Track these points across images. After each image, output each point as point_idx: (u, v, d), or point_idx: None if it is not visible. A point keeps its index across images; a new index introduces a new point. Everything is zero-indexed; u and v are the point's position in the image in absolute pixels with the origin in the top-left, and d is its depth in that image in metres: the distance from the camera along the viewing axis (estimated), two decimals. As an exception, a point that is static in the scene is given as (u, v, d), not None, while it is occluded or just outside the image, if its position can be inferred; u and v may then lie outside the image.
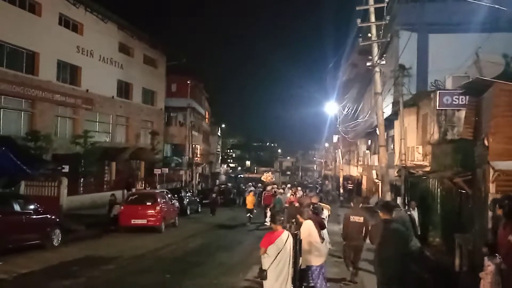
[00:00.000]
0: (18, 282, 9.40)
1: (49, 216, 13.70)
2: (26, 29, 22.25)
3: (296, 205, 18.18)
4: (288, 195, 21.73)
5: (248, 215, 21.56)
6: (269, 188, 27.24)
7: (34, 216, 13.03)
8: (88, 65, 27.21)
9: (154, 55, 36.35)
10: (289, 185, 35.67)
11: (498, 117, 7.87)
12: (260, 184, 38.15)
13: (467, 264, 9.95)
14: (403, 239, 6.80)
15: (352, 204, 10.84)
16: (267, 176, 57.88)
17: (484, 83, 8.57)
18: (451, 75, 15.83)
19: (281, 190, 24.32)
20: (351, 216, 9.91)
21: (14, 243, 12.03)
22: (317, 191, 30.98)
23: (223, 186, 41.67)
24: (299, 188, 27.61)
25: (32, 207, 13.30)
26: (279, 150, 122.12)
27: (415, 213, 12.86)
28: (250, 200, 22.13)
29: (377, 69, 12.15)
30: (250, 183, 38.86)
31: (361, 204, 10.71)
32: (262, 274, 6.74)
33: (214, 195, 27.91)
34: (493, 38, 14.17)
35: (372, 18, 11.96)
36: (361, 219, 9.70)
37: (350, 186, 39.22)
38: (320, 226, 9.02)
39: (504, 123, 7.85)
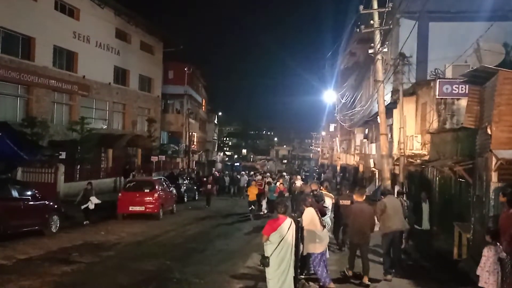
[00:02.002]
0: (18, 268, 9.36)
1: (47, 202, 13.65)
2: (22, 14, 21.92)
3: (286, 195, 18.01)
4: (278, 184, 20.55)
5: (250, 207, 19.62)
6: (259, 177, 25.91)
7: (32, 202, 12.97)
8: (85, 51, 26.91)
9: (151, 41, 36.01)
10: (284, 173, 35.22)
11: (502, 105, 7.84)
12: (252, 173, 37.03)
13: (466, 252, 10.03)
14: (369, 215, 8.85)
15: (341, 191, 13.06)
16: (258, 163, 56.69)
17: (488, 72, 8.53)
18: (451, 64, 15.76)
19: (270, 180, 23.22)
20: (340, 201, 11.86)
21: (13, 229, 11.99)
22: (314, 179, 30.77)
23: (220, 173, 41.13)
24: (298, 177, 27.16)
25: (30, 193, 13.24)
26: (276, 139, 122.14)
27: (426, 206, 11.74)
28: (252, 191, 20.02)
29: (379, 56, 12.06)
30: (243, 172, 37.18)
31: (347, 191, 12.44)
32: (265, 261, 6.75)
33: (209, 186, 25.30)
34: (494, 27, 14.07)
35: (375, 5, 11.85)
36: (348, 202, 11.13)
37: (339, 176, 39.32)
38: (321, 213, 9.04)
39: (507, 111, 7.83)
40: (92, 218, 15.99)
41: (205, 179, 28.76)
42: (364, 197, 9.59)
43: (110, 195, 22.86)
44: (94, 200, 16.05)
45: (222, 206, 24.41)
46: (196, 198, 27.16)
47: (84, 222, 15.53)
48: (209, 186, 25.12)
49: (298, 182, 24.25)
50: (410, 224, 11.07)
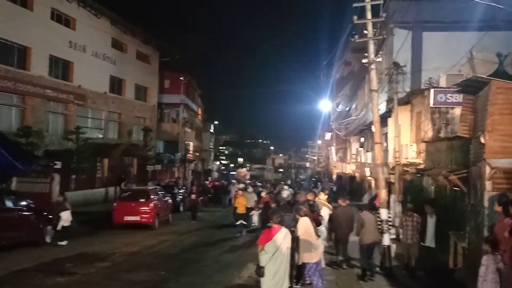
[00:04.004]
0: (12, 279, 9.28)
1: (41, 213, 13.57)
2: (18, 24, 21.95)
3: (272, 206, 16.27)
4: (263, 194, 18.64)
5: (238, 222, 17.07)
6: (241, 185, 23.20)
7: (27, 213, 12.92)
8: (81, 60, 26.94)
9: (147, 51, 36.12)
10: (282, 183, 34.38)
11: (495, 115, 7.89)
12: (235, 181, 34.15)
13: (462, 261, 10.02)
14: (350, 217, 11.31)
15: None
16: (240, 172, 54.24)
17: (481, 81, 8.60)
18: (445, 73, 15.89)
19: (251, 189, 20.47)
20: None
21: (6, 240, 11.90)
22: (311, 188, 30.46)
23: (218, 183, 40.46)
24: (285, 186, 25.83)
25: (24, 203, 13.20)
26: (272, 147, 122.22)
27: (432, 221, 10.85)
28: (241, 202, 17.35)
29: (373, 66, 12.13)
30: (234, 180, 35.11)
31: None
32: (260, 271, 6.74)
33: (193, 196, 21.73)
34: (487, 36, 14.22)
35: (369, 15, 11.94)
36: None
37: (331, 185, 39.25)
38: (316, 223, 9.03)
39: (500, 121, 7.87)
40: (69, 235, 13.82)
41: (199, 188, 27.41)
42: (348, 202, 11.98)
43: (101, 205, 22.88)
44: (64, 216, 13.69)
45: (216, 216, 24.06)
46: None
47: (59, 243, 13.40)
48: (193, 197, 21.68)
49: (285, 192, 23.36)
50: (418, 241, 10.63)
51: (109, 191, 26.37)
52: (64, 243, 13.44)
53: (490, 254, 6.51)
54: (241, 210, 17.25)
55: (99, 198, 25.59)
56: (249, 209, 17.79)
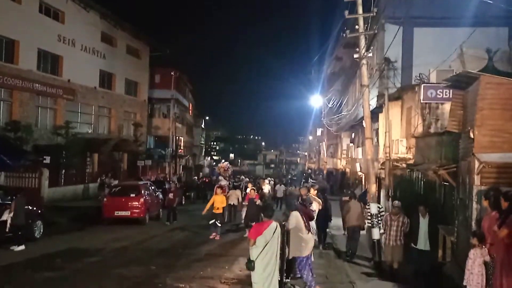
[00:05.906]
0: (-1, 275, 9.20)
1: (30, 208, 13.42)
2: (5, 17, 21.65)
3: (257, 203, 15.21)
4: (248, 190, 17.41)
5: (212, 221, 14.95)
6: (223, 183, 21.92)
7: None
8: (70, 54, 26.67)
9: (137, 45, 35.83)
10: (269, 179, 33.47)
11: (484, 109, 7.94)
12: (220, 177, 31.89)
13: (450, 255, 10.11)
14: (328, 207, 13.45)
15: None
16: (221, 166, 52.54)
17: (470, 76, 8.64)
18: (436, 69, 15.95)
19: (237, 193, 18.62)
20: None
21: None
22: (302, 184, 30.35)
23: (207, 178, 40.05)
24: (265, 181, 24.51)
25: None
26: (263, 143, 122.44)
27: (424, 222, 9.88)
28: (219, 200, 15.34)
29: (364, 61, 12.16)
30: (221, 177, 33.20)
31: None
32: (250, 265, 6.74)
33: (171, 195, 18.91)
34: (477, 32, 14.28)
35: (360, 10, 11.96)
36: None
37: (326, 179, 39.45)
38: (309, 217, 9.04)
39: (490, 115, 7.92)
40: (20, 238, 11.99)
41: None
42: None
43: (91, 200, 22.75)
44: (4, 217, 11.91)
45: (197, 216, 23.44)
46: (183, 203, 26.91)
47: (12, 248, 11.64)
48: (171, 196, 18.94)
49: (266, 188, 22.44)
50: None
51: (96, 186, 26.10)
52: (20, 248, 11.66)
53: (477, 248, 6.57)
54: (216, 209, 15.18)
55: (90, 193, 25.38)
56: (231, 207, 18.16)
